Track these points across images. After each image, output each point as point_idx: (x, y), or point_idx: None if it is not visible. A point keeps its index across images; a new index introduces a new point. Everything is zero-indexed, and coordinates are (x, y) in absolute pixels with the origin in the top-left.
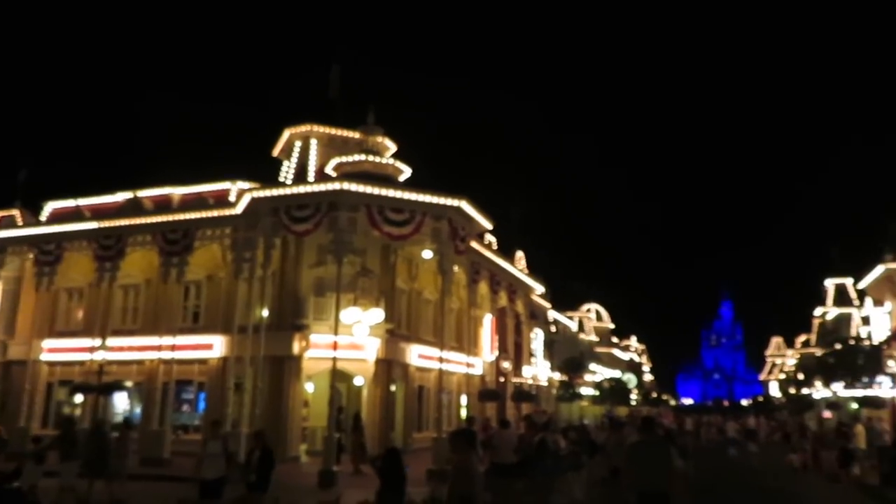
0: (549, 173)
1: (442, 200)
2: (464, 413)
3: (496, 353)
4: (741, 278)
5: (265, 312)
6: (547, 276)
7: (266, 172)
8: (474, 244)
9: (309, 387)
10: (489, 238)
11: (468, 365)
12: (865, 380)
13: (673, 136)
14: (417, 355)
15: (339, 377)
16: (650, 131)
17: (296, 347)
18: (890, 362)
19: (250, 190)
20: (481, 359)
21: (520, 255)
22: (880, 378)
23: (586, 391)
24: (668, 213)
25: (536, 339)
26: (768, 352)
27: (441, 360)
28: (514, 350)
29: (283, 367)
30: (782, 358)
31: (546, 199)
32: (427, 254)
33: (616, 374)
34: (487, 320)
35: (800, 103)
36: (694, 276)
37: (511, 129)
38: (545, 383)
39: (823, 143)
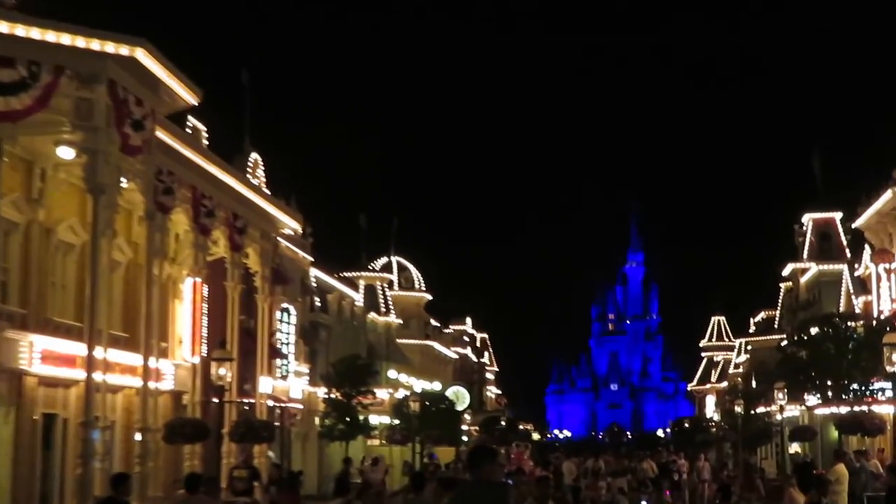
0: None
1: (97, 44)
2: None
3: (204, 350)
4: (661, 215)
5: None
6: (308, 205)
7: None
8: (163, 134)
9: None
10: (194, 124)
11: (149, 373)
12: (855, 387)
13: None
14: (41, 355)
15: None
16: None
17: None
18: (894, 356)
19: None
20: (174, 361)
21: (255, 159)
22: (879, 384)
23: (378, 419)
24: (535, 104)
25: (286, 322)
26: (704, 342)
27: (92, 364)
28: (241, 344)
29: None
30: (726, 353)
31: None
32: (65, 152)
33: (434, 386)
34: (188, 287)
35: None
36: (578, 209)
37: None
38: (300, 406)
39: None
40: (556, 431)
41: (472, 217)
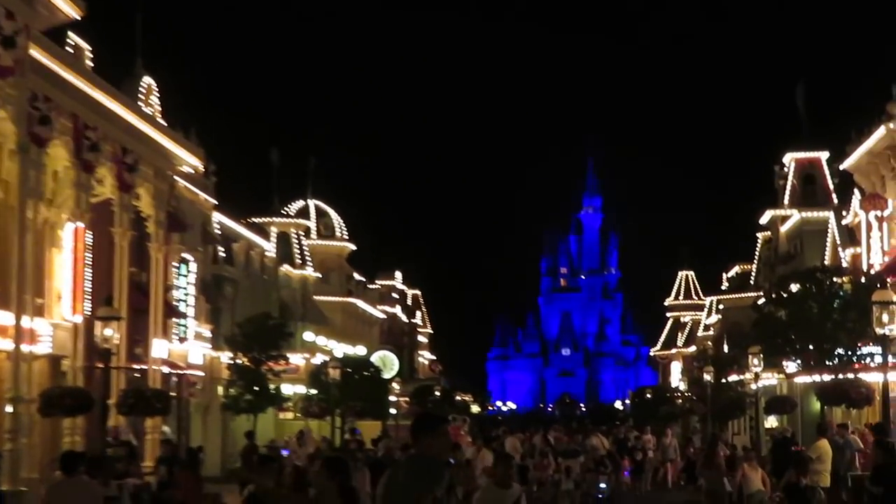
0: None
1: None
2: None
3: (88, 307)
4: (623, 154)
5: None
6: (211, 138)
7: None
8: (38, 54)
9: None
10: (76, 42)
11: (22, 335)
12: (841, 352)
13: None
14: None
15: None
16: None
17: None
18: (884, 316)
19: None
20: (52, 320)
21: (148, 84)
22: (867, 349)
23: (292, 389)
24: (477, 31)
25: (185, 276)
26: (669, 300)
27: None
28: (131, 301)
29: None
30: (695, 313)
31: None
32: None
33: (358, 350)
34: (69, 233)
35: None
36: (527, 146)
37: None
38: (201, 373)
39: None
40: (499, 403)
41: (405, 154)
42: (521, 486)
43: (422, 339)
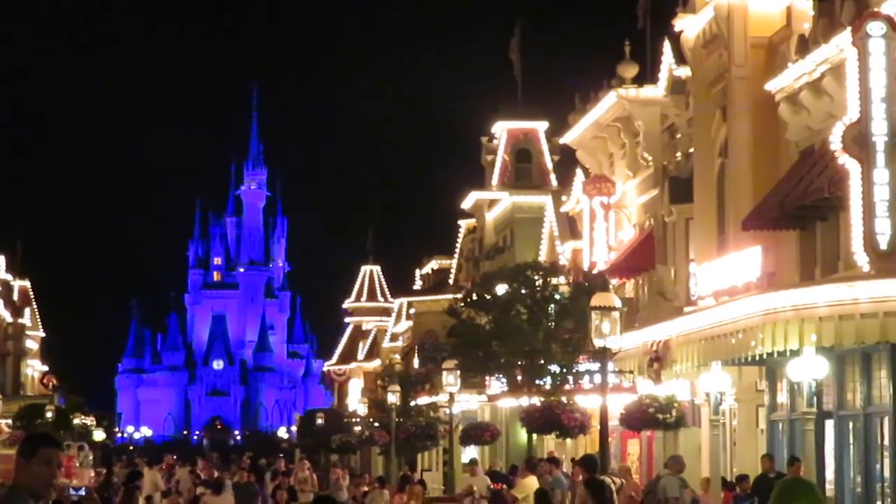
0: None
1: None
2: None
3: None
4: (296, 112)
5: None
6: None
7: None
8: None
9: None
10: None
11: None
12: (555, 369)
13: None
14: None
15: None
16: None
17: None
18: (605, 325)
19: None
20: None
21: None
22: (586, 364)
23: None
24: None
25: None
26: (349, 302)
27: None
28: None
29: None
30: (382, 319)
31: None
32: None
33: None
34: None
35: None
36: (176, 94)
37: None
38: None
39: None
40: (132, 429)
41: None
42: None
43: (31, 344)
